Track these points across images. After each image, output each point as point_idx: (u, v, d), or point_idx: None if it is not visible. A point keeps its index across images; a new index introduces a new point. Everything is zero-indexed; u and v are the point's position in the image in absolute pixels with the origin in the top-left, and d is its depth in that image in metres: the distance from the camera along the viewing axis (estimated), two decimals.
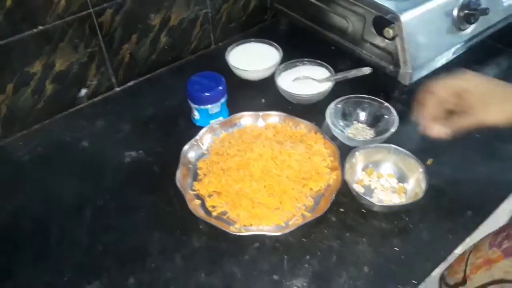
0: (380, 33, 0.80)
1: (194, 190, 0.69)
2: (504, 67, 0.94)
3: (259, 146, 0.69)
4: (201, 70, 0.93)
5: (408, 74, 0.79)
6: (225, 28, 1.01)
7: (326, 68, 0.87)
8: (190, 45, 0.97)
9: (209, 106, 0.78)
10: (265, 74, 0.88)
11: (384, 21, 0.78)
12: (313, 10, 0.92)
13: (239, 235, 0.61)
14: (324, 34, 0.93)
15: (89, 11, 0.78)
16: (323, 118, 0.79)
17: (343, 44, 0.89)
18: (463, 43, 0.86)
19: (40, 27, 0.75)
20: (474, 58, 0.91)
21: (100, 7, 0.79)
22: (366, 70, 0.81)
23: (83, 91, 0.86)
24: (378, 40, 0.82)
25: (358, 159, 0.70)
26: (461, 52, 0.87)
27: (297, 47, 0.98)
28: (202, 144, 0.75)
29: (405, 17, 0.76)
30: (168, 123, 0.83)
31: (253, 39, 0.94)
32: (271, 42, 0.93)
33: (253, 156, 0.68)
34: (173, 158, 0.72)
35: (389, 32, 0.77)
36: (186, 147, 0.73)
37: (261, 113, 0.80)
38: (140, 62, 0.91)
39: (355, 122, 0.80)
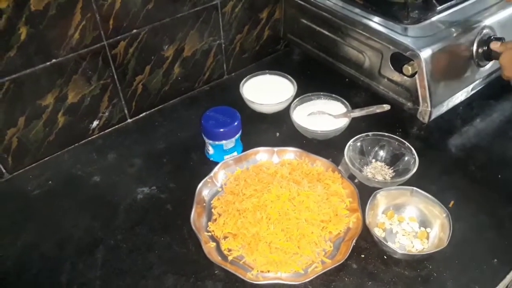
0: (398, 69, 0.78)
1: (209, 231, 0.66)
2: None
3: (276, 187, 0.67)
4: (214, 100, 0.92)
5: (428, 112, 0.78)
6: (238, 58, 1.00)
7: (342, 103, 0.85)
8: (203, 76, 0.96)
9: (223, 142, 0.77)
10: (280, 107, 0.87)
11: (402, 58, 0.77)
12: (327, 42, 0.91)
13: (256, 284, 0.59)
14: (338, 66, 0.91)
15: (102, 43, 0.77)
16: (339, 154, 0.77)
17: (359, 78, 0.88)
18: (482, 79, 0.85)
19: (54, 60, 0.74)
20: (492, 92, 0.90)
21: (113, 40, 0.79)
22: (385, 107, 0.79)
23: (95, 123, 0.85)
24: (396, 76, 0.80)
25: (380, 202, 0.68)
26: (480, 87, 0.86)
27: (311, 78, 0.98)
28: (217, 181, 0.74)
29: (424, 54, 0.74)
30: (181, 157, 0.81)
31: (267, 71, 0.93)
32: (286, 74, 0.92)
33: (270, 198, 0.66)
34: (187, 195, 0.71)
35: (408, 69, 0.76)
36: (200, 184, 0.71)
37: (276, 149, 0.78)
38: (153, 93, 0.90)
39: (373, 161, 0.78)
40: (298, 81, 0.91)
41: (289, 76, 0.91)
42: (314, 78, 0.97)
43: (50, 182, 0.78)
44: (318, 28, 0.92)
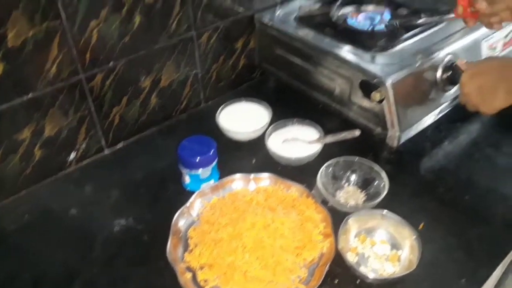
0: (367, 96, 0.81)
1: (185, 262, 0.67)
2: (487, 121, 0.96)
3: (251, 215, 0.69)
4: (192, 129, 0.94)
5: (397, 136, 0.81)
6: (215, 87, 1.02)
7: (316, 128, 0.88)
8: (180, 105, 0.98)
9: (200, 171, 0.78)
10: (256, 135, 0.89)
11: (370, 85, 0.80)
12: (300, 71, 0.94)
13: None
14: (312, 93, 0.94)
15: (79, 77, 0.79)
16: (314, 179, 0.79)
17: (331, 104, 0.91)
18: (448, 103, 0.89)
19: (30, 95, 0.75)
20: (459, 115, 0.93)
21: (90, 73, 0.80)
22: (356, 133, 0.82)
23: (72, 155, 0.86)
24: (365, 103, 0.83)
25: (351, 226, 0.70)
26: (447, 110, 0.90)
27: (286, 104, 1.00)
28: (193, 210, 0.75)
29: (391, 81, 0.77)
30: (158, 187, 0.82)
31: (243, 99, 0.95)
32: (261, 101, 0.94)
33: (245, 226, 0.67)
34: (163, 226, 0.71)
35: (376, 96, 0.79)
36: (176, 215, 0.72)
37: (252, 176, 0.79)
38: (130, 123, 0.91)
39: (346, 185, 0.80)
40: (273, 107, 0.94)
41: (264, 103, 0.94)
42: (289, 105, 1.00)
43: (26, 216, 0.78)
44: (291, 57, 0.95)
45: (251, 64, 1.06)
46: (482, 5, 0.74)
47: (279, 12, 0.99)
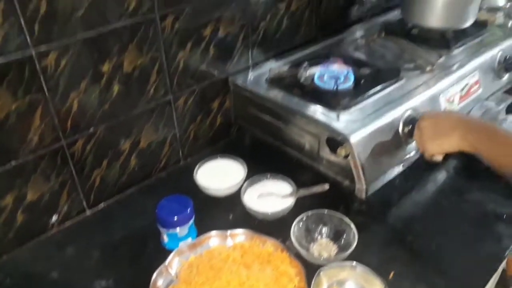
0: (333, 152, 0.87)
1: None
2: (452, 169, 1.01)
3: (227, 273, 0.71)
4: (171, 186, 0.97)
5: (363, 189, 0.86)
6: (193, 145, 1.07)
7: (289, 182, 0.92)
8: (159, 164, 1.02)
9: (177, 230, 0.81)
10: (232, 190, 0.93)
11: (336, 142, 0.85)
12: (273, 128, 1.00)
13: None
14: (284, 149, 0.99)
15: (60, 143, 0.83)
16: (289, 232, 0.82)
17: (302, 159, 0.96)
18: (412, 154, 0.94)
19: (13, 163, 0.78)
20: (426, 164, 0.99)
21: (72, 139, 0.84)
22: (325, 187, 0.86)
23: (54, 218, 0.88)
24: (333, 158, 0.89)
25: (323, 279, 0.73)
26: (412, 160, 0.95)
27: (262, 159, 1.05)
28: (171, 269, 0.77)
29: (354, 138, 0.83)
30: (137, 247, 0.84)
31: (219, 156, 0.99)
32: (237, 157, 0.99)
33: (221, 285, 0.70)
34: (143, 285, 0.73)
35: (341, 152, 0.84)
36: (154, 274, 0.74)
37: (228, 232, 0.82)
38: (110, 184, 0.94)
39: (318, 238, 0.83)
40: (249, 163, 0.98)
41: (240, 159, 0.98)
42: (264, 160, 1.04)
43: (8, 280, 0.79)
44: (263, 116, 1.01)
45: (227, 122, 1.12)
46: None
47: (251, 74, 1.06)
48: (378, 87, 0.96)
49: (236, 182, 0.92)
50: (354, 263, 0.74)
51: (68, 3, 0.73)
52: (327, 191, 0.89)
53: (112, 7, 0.79)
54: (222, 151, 1.04)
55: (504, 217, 0.87)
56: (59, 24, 0.73)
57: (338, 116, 0.89)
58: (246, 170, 0.95)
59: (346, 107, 0.91)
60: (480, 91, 1.09)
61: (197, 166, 0.96)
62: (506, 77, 1.17)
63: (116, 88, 0.86)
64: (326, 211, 0.83)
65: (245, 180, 0.93)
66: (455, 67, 1.06)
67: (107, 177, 0.93)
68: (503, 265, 0.90)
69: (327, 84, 0.99)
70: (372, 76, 1.00)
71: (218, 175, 0.95)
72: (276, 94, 0.99)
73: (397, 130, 0.90)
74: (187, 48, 0.94)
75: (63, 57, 0.76)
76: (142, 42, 0.86)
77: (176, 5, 0.88)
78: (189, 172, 0.97)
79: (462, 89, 1.05)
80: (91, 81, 0.82)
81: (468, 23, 1.16)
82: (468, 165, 0.99)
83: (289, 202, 0.88)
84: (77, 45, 0.77)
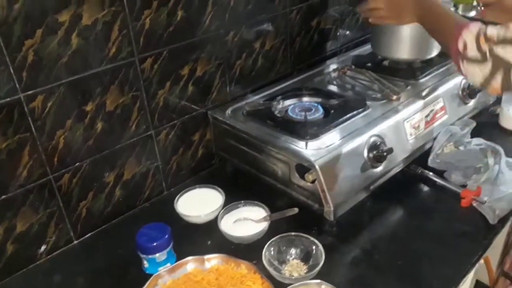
0: (302, 177, 0.93)
1: None
2: (420, 190, 1.07)
3: None
4: (154, 216, 1.03)
5: (331, 211, 0.91)
6: (176, 175, 1.13)
7: (263, 208, 0.98)
8: (143, 195, 1.08)
9: (156, 255, 0.86)
10: (210, 217, 0.99)
11: (304, 168, 0.92)
12: (249, 157, 1.06)
13: None
14: (261, 176, 1.06)
15: (48, 177, 0.90)
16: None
17: (277, 185, 1.02)
18: (379, 177, 1.00)
19: (3, 197, 0.85)
20: (394, 186, 1.04)
21: (58, 173, 0.91)
22: (295, 210, 0.92)
23: (43, 248, 0.94)
24: (303, 183, 0.94)
25: None
26: (380, 183, 1.01)
27: (241, 187, 1.11)
28: None
29: (320, 163, 0.89)
30: (120, 273, 0.89)
31: (197, 186, 1.05)
32: (215, 186, 1.05)
33: None
34: None
35: (309, 177, 0.90)
36: None
37: (205, 257, 0.88)
38: (96, 215, 1.00)
39: (290, 259, 0.88)
40: (229, 191, 1.04)
41: (217, 188, 1.04)
42: (243, 188, 1.10)
43: None
44: (241, 147, 1.08)
45: (209, 153, 1.19)
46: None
47: (229, 108, 1.14)
48: (345, 117, 1.03)
49: (213, 210, 0.98)
50: (319, 281, 0.78)
51: (53, 52, 0.82)
52: (300, 214, 0.95)
53: (94, 54, 0.88)
54: (204, 180, 1.11)
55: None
56: (45, 71, 0.82)
57: (306, 145, 0.95)
58: (224, 198, 1.01)
59: (314, 136, 0.97)
60: (446, 116, 1.16)
61: (177, 196, 1.02)
62: (471, 103, 1.24)
63: (99, 125, 0.93)
64: (293, 233, 0.88)
65: (222, 207, 0.99)
66: (420, 95, 1.13)
67: (93, 208, 0.99)
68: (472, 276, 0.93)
69: (298, 115, 1.06)
70: (340, 107, 1.08)
71: (197, 203, 1.01)
72: (252, 126, 1.06)
73: (363, 154, 0.96)
74: (166, 87, 1.02)
75: (49, 99, 0.84)
76: (123, 83, 0.94)
77: (154, 49, 0.97)
78: (172, 201, 1.03)
79: (427, 115, 1.12)
80: (76, 120, 0.89)
81: (433, 54, 1.24)
82: (435, 187, 1.05)
83: (263, 226, 0.93)
84: (62, 89, 0.85)
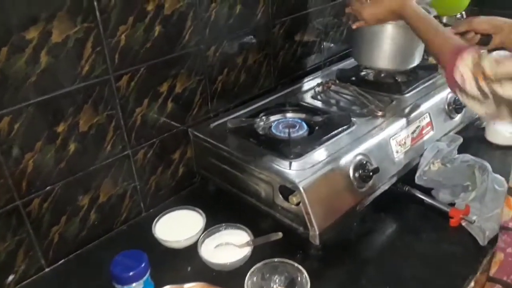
0: (286, 199, 0.89)
1: None
2: (408, 210, 1.04)
3: None
4: (132, 239, 0.98)
5: (317, 235, 0.87)
6: (155, 196, 1.09)
7: (246, 231, 0.93)
8: (120, 217, 1.03)
9: (133, 285, 0.81)
10: (190, 242, 0.94)
11: (288, 190, 0.88)
12: (231, 177, 1.02)
13: None
14: (243, 197, 1.01)
15: (16, 203, 0.84)
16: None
17: (260, 206, 0.98)
18: (365, 197, 0.97)
19: None
20: (383, 206, 1.01)
21: (27, 198, 0.86)
22: (279, 235, 0.88)
23: (11, 277, 0.88)
24: (287, 205, 0.91)
25: None
26: (367, 204, 0.98)
27: (223, 208, 1.07)
28: None
29: (304, 185, 0.86)
30: None
31: (177, 207, 1.01)
32: (195, 208, 1.00)
33: None
34: None
35: (293, 199, 0.86)
36: None
37: (185, 286, 0.82)
38: (69, 240, 0.95)
39: (274, 287, 0.84)
40: (211, 211, 1.00)
41: (198, 209, 1.00)
42: (226, 208, 1.06)
43: None
44: (222, 165, 1.03)
45: (190, 171, 1.14)
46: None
47: (211, 125, 1.10)
48: (330, 134, 1.00)
49: (194, 234, 0.93)
50: None
51: (20, 71, 0.77)
52: (284, 238, 0.91)
53: (65, 72, 0.83)
54: (185, 200, 1.07)
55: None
56: (11, 91, 0.77)
57: (290, 165, 0.91)
58: (205, 220, 0.97)
59: (298, 155, 0.94)
60: (432, 132, 1.14)
61: (155, 220, 0.98)
62: (458, 117, 1.22)
63: (72, 146, 0.89)
64: (277, 260, 0.84)
65: (203, 230, 0.94)
66: (405, 110, 1.11)
67: (66, 234, 0.94)
68: None
69: (282, 132, 1.02)
70: (325, 124, 1.04)
71: (177, 226, 0.97)
72: (234, 144, 1.02)
73: (348, 174, 0.93)
74: (144, 105, 0.98)
75: (16, 121, 0.79)
76: (98, 102, 0.89)
77: (131, 66, 0.92)
78: (151, 223, 0.98)
79: (414, 132, 1.09)
80: (46, 142, 0.84)
81: (414, 64, 1.22)
82: (423, 206, 1.02)
83: (246, 251, 0.89)
84: (31, 109, 0.80)
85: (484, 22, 0.98)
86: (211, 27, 1.06)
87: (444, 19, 1.57)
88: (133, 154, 1.00)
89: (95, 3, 0.83)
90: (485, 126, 1.30)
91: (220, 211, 1.05)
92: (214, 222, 0.96)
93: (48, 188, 0.88)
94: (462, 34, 0.99)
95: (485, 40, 1.01)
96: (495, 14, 1.02)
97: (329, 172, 0.90)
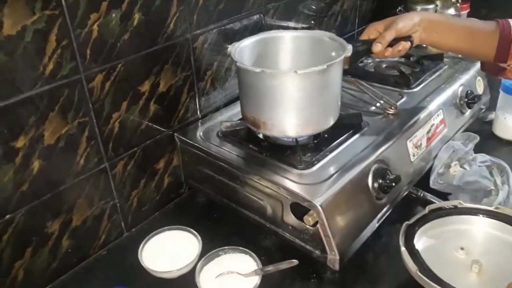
0: (299, 219, 0.76)
1: None
2: None
3: None
4: (112, 267, 0.84)
5: (337, 260, 0.75)
6: (137, 213, 0.93)
7: (252, 257, 0.79)
8: (98, 241, 0.87)
9: None
10: (185, 270, 0.79)
11: (302, 208, 0.75)
12: (228, 189, 0.88)
13: None
14: (244, 213, 0.88)
15: None
16: None
17: (264, 224, 0.84)
18: (384, 210, 0.85)
19: None
20: (397, 216, 0.90)
21: None
22: (294, 263, 0.75)
23: None
24: (300, 224, 0.78)
25: None
26: (383, 218, 0.86)
27: (217, 222, 0.93)
28: None
29: (322, 203, 0.72)
30: None
31: (167, 228, 0.86)
32: (188, 228, 0.85)
33: None
34: None
35: (309, 220, 0.73)
36: None
37: None
38: (38, 274, 0.79)
39: None
40: (204, 227, 0.86)
41: (191, 230, 0.85)
42: (221, 223, 0.93)
43: None
44: (217, 176, 0.89)
45: (177, 181, 0.99)
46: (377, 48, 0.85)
47: (200, 128, 0.95)
48: (341, 138, 0.87)
49: (189, 261, 0.79)
50: None
51: None
52: (299, 260, 0.78)
53: (23, 73, 0.65)
54: (172, 215, 0.94)
55: None
56: None
57: (301, 177, 0.78)
58: (201, 244, 0.82)
59: (309, 165, 0.81)
60: (445, 130, 1.03)
61: (141, 244, 0.82)
62: (468, 112, 1.12)
63: (36, 164, 0.72)
64: None
65: (200, 256, 0.80)
66: (418, 107, 0.99)
67: (33, 267, 0.77)
68: None
69: (286, 137, 0.88)
70: (333, 124, 0.91)
71: (168, 251, 0.82)
72: (229, 151, 0.87)
73: (367, 185, 0.81)
74: (123, 108, 0.82)
75: None
76: (66, 108, 0.73)
77: (106, 63, 0.76)
78: (134, 245, 0.83)
79: (429, 131, 0.98)
80: (2, 162, 0.67)
81: None
82: None
83: (254, 281, 0.75)
84: None
85: (404, 25, 0.86)
86: (199, 12, 0.89)
87: (439, 5, 1.48)
88: (111, 167, 0.84)
89: None
90: (492, 120, 1.20)
91: (214, 226, 0.91)
92: (208, 240, 0.83)
93: (7, 217, 0.71)
94: (391, 45, 0.86)
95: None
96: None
97: (347, 185, 0.77)
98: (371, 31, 0.89)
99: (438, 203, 0.84)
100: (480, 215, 0.81)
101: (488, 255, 0.75)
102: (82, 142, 0.77)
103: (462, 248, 0.76)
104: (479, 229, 0.81)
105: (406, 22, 0.86)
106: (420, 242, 0.78)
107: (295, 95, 0.78)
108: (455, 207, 0.82)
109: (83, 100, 0.75)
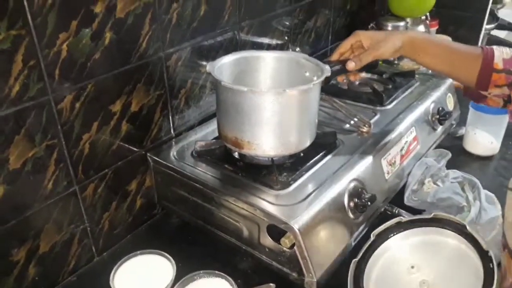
0: (276, 241, 0.75)
1: None
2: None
3: None
4: None
5: (314, 282, 0.74)
6: (109, 236, 0.90)
7: (228, 281, 0.78)
8: (67, 267, 0.84)
9: None
10: None
11: (278, 230, 0.74)
12: (202, 211, 0.86)
13: None
14: (219, 234, 0.86)
15: None
16: None
17: (240, 247, 0.83)
18: (360, 228, 0.85)
19: None
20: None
21: None
22: (271, 287, 0.74)
23: None
24: (276, 246, 0.76)
25: None
26: (360, 236, 0.86)
27: (192, 244, 0.91)
28: None
29: (299, 226, 0.72)
30: None
31: (139, 252, 0.83)
32: (161, 252, 0.82)
33: None
34: None
35: (286, 242, 0.72)
36: None
37: None
38: None
39: None
40: (178, 250, 0.84)
41: (166, 254, 0.82)
42: (195, 245, 0.90)
43: None
44: (190, 197, 0.87)
45: (150, 203, 0.96)
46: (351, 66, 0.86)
47: (174, 147, 0.93)
48: (317, 156, 0.87)
49: (163, 286, 0.76)
50: None
51: None
52: (277, 285, 0.77)
53: None
54: (145, 237, 0.91)
55: None
56: None
57: (277, 198, 0.77)
58: (175, 268, 0.80)
59: (285, 185, 0.80)
60: (418, 147, 1.05)
61: (113, 270, 0.79)
62: (439, 129, 1.14)
63: (0, 189, 0.68)
64: None
65: (174, 282, 0.78)
66: (392, 125, 1.00)
67: None
68: None
69: (262, 156, 0.87)
70: None
71: (141, 277, 0.79)
72: (204, 171, 0.86)
73: (343, 205, 0.81)
74: (93, 129, 0.79)
75: None
76: (33, 131, 0.70)
77: (75, 84, 0.73)
78: (105, 270, 0.79)
79: (402, 148, 0.99)
80: None
81: None
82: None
83: None
84: None
85: (384, 52, 0.86)
86: (172, 31, 0.88)
87: (409, 22, 1.51)
88: (80, 190, 0.81)
89: (25, 3, 0.63)
90: (462, 135, 1.23)
91: (189, 248, 0.89)
92: (183, 263, 0.80)
93: None
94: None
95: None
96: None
97: (324, 205, 0.77)
98: (341, 52, 0.89)
99: (381, 226, 0.81)
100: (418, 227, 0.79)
101: (435, 263, 0.75)
102: (51, 165, 0.74)
103: (412, 267, 0.75)
104: (422, 239, 0.79)
105: (387, 49, 0.85)
106: (373, 274, 0.76)
107: (281, 114, 0.78)
108: (398, 223, 0.80)
109: (51, 122, 0.72)
